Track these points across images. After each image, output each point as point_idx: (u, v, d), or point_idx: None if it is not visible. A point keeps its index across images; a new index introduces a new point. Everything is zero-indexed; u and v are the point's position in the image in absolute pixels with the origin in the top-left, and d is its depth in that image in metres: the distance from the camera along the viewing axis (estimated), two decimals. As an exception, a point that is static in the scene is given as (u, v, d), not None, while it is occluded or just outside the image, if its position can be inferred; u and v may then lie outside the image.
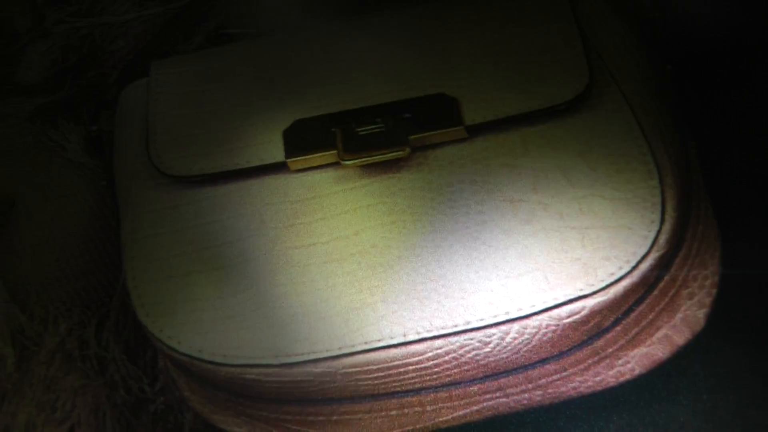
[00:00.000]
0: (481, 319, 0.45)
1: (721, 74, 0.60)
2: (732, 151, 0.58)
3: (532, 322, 0.45)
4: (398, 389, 0.47)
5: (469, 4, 0.53)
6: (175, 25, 0.60)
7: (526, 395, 0.48)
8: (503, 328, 0.45)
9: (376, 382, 0.46)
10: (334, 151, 0.49)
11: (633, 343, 0.47)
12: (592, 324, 0.45)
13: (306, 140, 0.50)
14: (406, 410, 0.48)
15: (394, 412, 0.48)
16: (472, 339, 0.45)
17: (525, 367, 0.47)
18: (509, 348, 0.45)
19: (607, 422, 0.52)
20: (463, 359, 0.45)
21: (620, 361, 0.48)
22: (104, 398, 0.52)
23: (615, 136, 0.48)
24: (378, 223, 0.48)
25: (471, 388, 0.47)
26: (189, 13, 0.61)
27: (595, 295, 0.45)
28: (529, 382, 0.47)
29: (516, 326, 0.45)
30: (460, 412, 0.48)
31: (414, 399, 0.47)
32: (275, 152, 0.50)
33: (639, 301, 0.46)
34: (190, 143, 0.51)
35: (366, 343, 0.45)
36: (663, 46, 0.55)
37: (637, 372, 0.48)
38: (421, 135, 0.49)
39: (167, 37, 0.60)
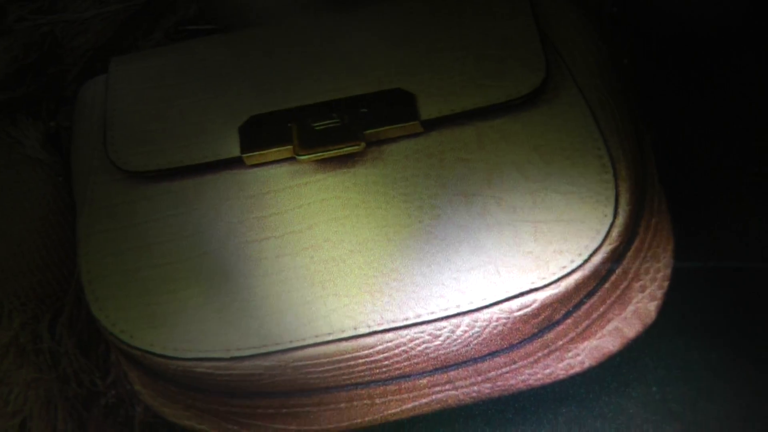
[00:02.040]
0: (432, 312, 0.45)
1: (677, 68, 0.60)
2: (687, 144, 0.59)
3: (483, 315, 0.45)
4: (348, 382, 0.47)
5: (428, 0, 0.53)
6: (135, 22, 0.60)
7: (476, 388, 0.48)
8: (454, 321, 0.45)
9: (326, 375, 0.46)
10: (290, 146, 0.49)
11: (583, 335, 0.48)
12: (542, 317, 0.46)
13: (262, 135, 0.50)
14: (355, 403, 0.48)
15: (343, 405, 0.48)
16: (422, 332, 0.45)
17: (475, 360, 0.47)
18: (459, 341, 0.45)
19: (556, 414, 0.52)
20: (413, 352, 0.46)
21: (570, 354, 0.48)
22: (56, 391, 0.52)
23: (570, 131, 0.48)
24: (331, 218, 0.48)
25: (420, 381, 0.47)
26: (149, 9, 0.61)
27: (546, 288, 0.45)
28: (479, 375, 0.47)
29: (467, 319, 0.45)
30: (410, 405, 0.48)
31: (363, 392, 0.48)
32: (231, 147, 0.50)
33: (590, 294, 0.47)
34: (147, 139, 0.51)
35: (316, 336, 0.45)
36: (620, 40, 0.55)
37: (587, 365, 0.48)
38: (377, 130, 0.49)
39: (127, 33, 0.60)
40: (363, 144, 0.49)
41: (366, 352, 0.45)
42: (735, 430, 0.50)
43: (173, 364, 0.46)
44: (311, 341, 0.45)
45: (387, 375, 0.47)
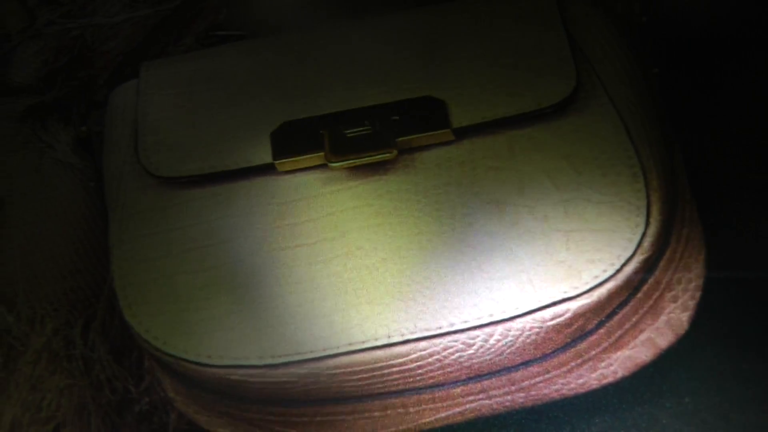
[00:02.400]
0: (465, 321, 0.45)
1: (707, 78, 0.60)
2: (717, 154, 0.59)
3: (516, 324, 0.45)
4: (382, 390, 0.47)
5: (459, 7, 0.53)
6: (165, 27, 0.61)
7: (509, 397, 0.48)
8: (487, 330, 0.45)
9: (359, 383, 0.46)
10: (321, 153, 0.49)
11: (616, 345, 0.48)
12: (575, 326, 0.46)
13: (294, 142, 0.50)
14: (389, 411, 0.48)
15: (377, 414, 0.48)
16: (456, 341, 0.45)
17: (508, 369, 0.47)
18: (493, 350, 0.46)
19: (589, 424, 0.52)
20: (447, 361, 0.46)
21: (603, 364, 0.48)
22: (89, 398, 0.52)
23: (601, 140, 0.48)
24: (364, 225, 0.48)
25: (454, 390, 0.47)
26: (179, 14, 0.61)
27: (579, 298, 0.45)
28: (512, 384, 0.48)
29: (500, 328, 0.45)
30: (443, 414, 0.49)
31: (397, 400, 0.48)
32: (263, 154, 0.50)
33: (623, 304, 0.47)
34: (179, 144, 0.51)
35: (350, 344, 0.45)
36: (650, 50, 0.55)
37: (619, 375, 0.48)
38: (408, 137, 0.49)
39: (158, 38, 0.61)
40: (395, 152, 0.49)
41: (400, 360, 0.45)
42: (767, 441, 0.51)
43: (207, 371, 0.46)
44: (345, 349, 0.45)
45: (421, 384, 0.47)
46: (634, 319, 0.47)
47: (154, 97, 0.53)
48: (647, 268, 0.47)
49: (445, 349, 0.45)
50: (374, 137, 0.49)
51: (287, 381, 0.46)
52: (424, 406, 0.48)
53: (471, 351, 0.46)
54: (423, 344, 0.45)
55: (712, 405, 0.52)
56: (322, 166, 0.50)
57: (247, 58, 0.54)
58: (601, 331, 0.47)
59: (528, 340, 0.45)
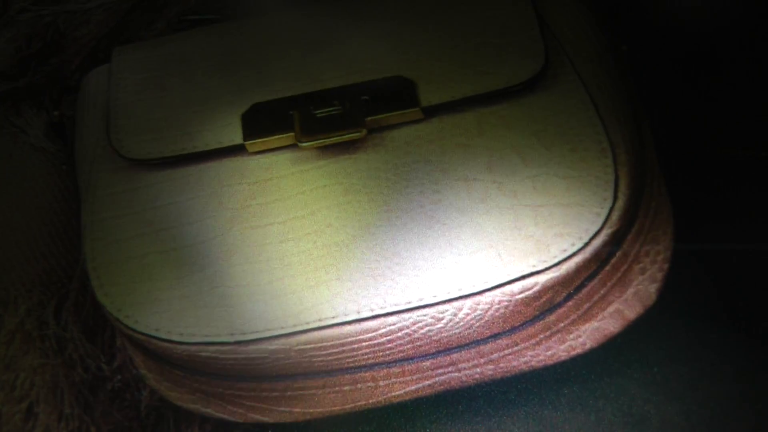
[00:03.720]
0: (435, 296, 0.45)
1: (676, 54, 0.61)
2: (685, 129, 0.59)
3: (485, 298, 0.45)
4: (352, 365, 0.47)
5: None
6: (137, 12, 0.61)
7: (478, 370, 0.48)
8: (456, 304, 0.45)
9: (329, 358, 0.46)
10: (292, 134, 0.50)
11: (585, 317, 0.48)
12: (544, 299, 0.46)
13: (264, 123, 0.50)
14: (359, 385, 0.49)
15: (347, 388, 0.49)
16: (425, 315, 0.46)
17: (477, 342, 0.47)
18: (462, 323, 0.46)
19: (558, 395, 0.52)
20: (416, 335, 0.46)
21: (572, 336, 0.48)
22: (62, 377, 0.52)
23: (569, 116, 0.49)
24: (333, 203, 0.48)
25: (424, 363, 0.48)
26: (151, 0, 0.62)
27: (547, 271, 0.45)
28: (481, 357, 0.48)
29: (469, 302, 0.45)
30: (413, 387, 0.49)
31: (367, 374, 0.48)
32: (233, 135, 0.50)
33: (591, 277, 0.47)
34: (150, 127, 0.51)
35: (320, 320, 0.46)
36: (619, 26, 0.55)
37: (588, 346, 0.49)
38: (378, 117, 0.50)
39: (130, 23, 0.61)
40: (364, 131, 0.49)
41: (369, 335, 0.46)
42: (736, 410, 0.51)
43: (178, 348, 0.46)
44: (315, 325, 0.46)
45: (390, 358, 0.47)
46: (602, 292, 0.48)
47: (125, 81, 0.53)
48: (615, 241, 0.47)
49: (414, 324, 0.46)
50: (344, 117, 0.50)
51: (258, 357, 0.46)
52: (393, 380, 0.48)
53: (440, 325, 0.46)
54: (392, 319, 0.46)
55: (679, 375, 0.52)
56: (293, 147, 0.50)
57: (218, 41, 0.54)
58: (570, 303, 0.47)
59: (497, 314, 0.46)
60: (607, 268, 0.47)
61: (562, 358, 0.49)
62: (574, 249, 0.46)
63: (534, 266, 0.45)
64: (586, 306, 0.48)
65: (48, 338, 0.53)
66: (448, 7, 0.53)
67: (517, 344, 0.48)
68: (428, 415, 0.53)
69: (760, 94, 0.58)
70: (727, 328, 0.53)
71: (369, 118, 0.49)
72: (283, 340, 0.46)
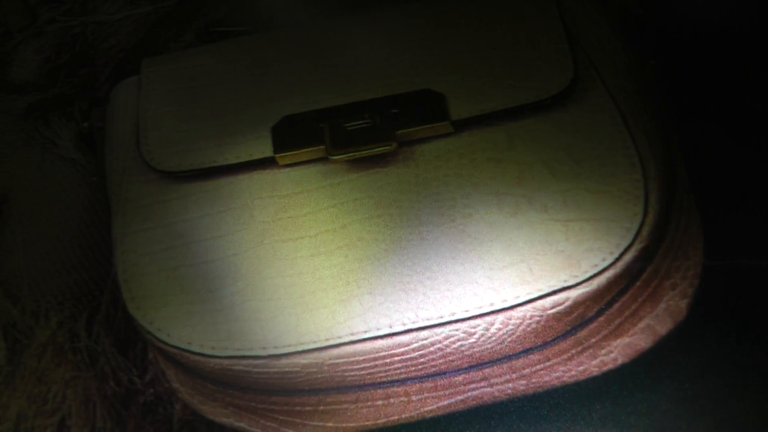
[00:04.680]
0: (466, 311, 0.46)
1: (704, 68, 0.61)
2: (715, 143, 0.59)
3: (517, 313, 0.45)
4: (384, 380, 0.47)
5: (456, 1, 0.54)
6: (166, 24, 0.61)
7: (510, 385, 0.49)
8: (488, 319, 0.46)
9: (362, 372, 0.46)
10: (322, 147, 0.50)
11: (616, 333, 0.48)
12: (575, 315, 0.46)
13: (294, 136, 0.50)
14: (391, 400, 0.49)
15: (379, 402, 0.49)
16: (457, 330, 0.46)
17: (509, 357, 0.47)
18: (494, 339, 0.46)
19: (590, 411, 0.52)
20: (449, 350, 0.46)
21: (603, 351, 0.48)
22: (94, 390, 0.52)
23: (599, 130, 0.49)
24: (365, 217, 0.48)
25: (456, 378, 0.48)
26: (180, 11, 0.62)
27: (578, 287, 0.45)
28: (513, 372, 0.48)
29: (500, 317, 0.45)
30: (445, 402, 0.49)
31: (399, 389, 0.48)
32: (264, 148, 0.50)
33: (622, 292, 0.47)
34: (180, 139, 0.51)
35: (352, 334, 0.46)
36: (647, 41, 0.56)
37: (619, 361, 0.49)
38: (408, 130, 0.50)
39: (158, 35, 0.61)
40: (395, 144, 0.49)
41: (402, 349, 0.46)
42: (766, 427, 0.51)
43: (210, 362, 0.46)
44: (347, 339, 0.46)
45: (423, 372, 0.47)
46: (633, 307, 0.48)
47: (155, 93, 0.53)
48: (646, 256, 0.47)
49: (446, 338, 0.46)
50: (374, 130, 0.50)
51: (290, 371, 0.46)
52: (426, 395, 0.49)
53: (472, 340, 0.46)
54: (424, 333, 0.46)
55: (711, 391, 0.52)
56: (323, 160, 0.50)
57: (247, 53, 0.54)
58: (601, 318, 0.47)
59: (528, 329, 0.46)
60: (638, 283, 0.47)
61: (594, 373, 0.49)
62: (605, 264, 0.46)
63: (565, 281, 0.45)
64: (617, 321, 0.48)
65: (80, 351, 0.53)
66: (476, 20, 0.53)
67: (549, 359, 0.48)
68: (461, 430, 0.53)
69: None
70: (759, 344, 0.53)
71: (399, 132, 0.49)
72: (315, 354, 0.46)
